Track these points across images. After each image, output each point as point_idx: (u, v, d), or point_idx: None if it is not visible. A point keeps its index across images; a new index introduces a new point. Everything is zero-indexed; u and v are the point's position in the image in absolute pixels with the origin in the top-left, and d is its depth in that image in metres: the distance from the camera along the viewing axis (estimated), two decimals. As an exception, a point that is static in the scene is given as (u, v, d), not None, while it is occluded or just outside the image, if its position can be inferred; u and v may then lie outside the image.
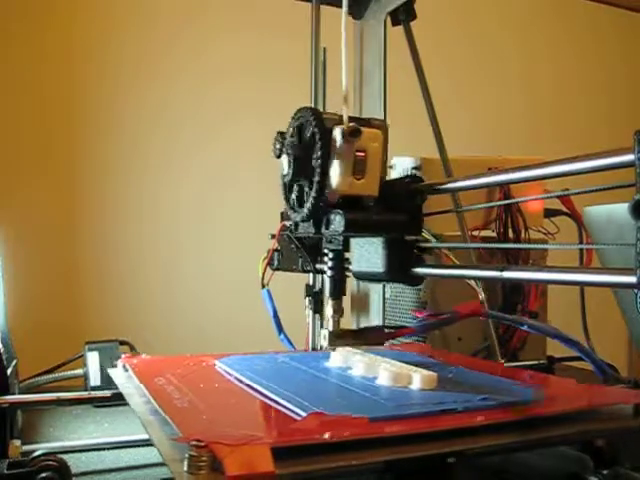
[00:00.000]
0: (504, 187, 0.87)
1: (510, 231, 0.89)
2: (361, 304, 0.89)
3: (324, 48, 0.84)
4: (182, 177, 1.46)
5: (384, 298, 0.85)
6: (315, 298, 0.82)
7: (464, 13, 1.75)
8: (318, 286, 0.83)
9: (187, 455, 0.34)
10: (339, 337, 0.57)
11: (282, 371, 0.59)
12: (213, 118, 1.47)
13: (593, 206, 0.77)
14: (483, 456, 0.42)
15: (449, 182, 0.57)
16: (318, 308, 0.83)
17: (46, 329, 1.22)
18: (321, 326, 0.83)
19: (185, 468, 0.34)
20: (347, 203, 0.53)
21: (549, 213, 0.95)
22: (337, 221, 0.53)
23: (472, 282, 0.69)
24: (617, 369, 0.78)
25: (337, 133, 0.52)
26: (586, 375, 0.75)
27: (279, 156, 0.57)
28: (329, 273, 0.60)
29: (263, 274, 0.79)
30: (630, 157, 0.36)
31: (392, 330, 0.60)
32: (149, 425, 0.44)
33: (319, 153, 0.52)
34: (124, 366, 0.61)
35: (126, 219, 1.42)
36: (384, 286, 0.85)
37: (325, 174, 0.52)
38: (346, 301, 0.91)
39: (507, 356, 0.85)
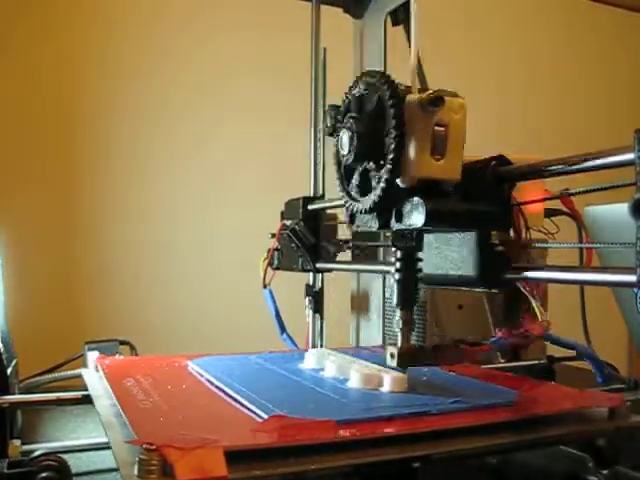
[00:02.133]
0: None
1: (510, 231, 0.89)
2: (361, 304, 0.89)
3: (324, 48, 0.84)
4: (182, 176, 1.46)
5: (384, 298, 0.85)
6: (315, 298, 0.82)
7: (465, 13, 1.75)
8: (318, 286, 0.83)
9: (137, 458, 0.33)
10: (412, 357, 0.48)
11: (253, 372, 0.58)
12: (213, 118, 1.48)
13: (593, 206, 0.77)
14: (450, 460, 0.41)
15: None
16: (318, 308, 0.83)
17: (46, 329, 1.22)
18: (322, 326, 0.83)
19: (135, 472, 0.33)
20: (423, 190, 0.44)
21: (549, 213, 0.94)
22: (416, 212, 0.43)
23: (535, 305, 0.60)
24: (617, 369, 0.78)
25: (413, 101, 0.43)
26: (586, 375, 0.75)
27: (332, 133, 0.48)
28: (397, 276, 0.49)
29: (264, 274, 0.79)
30: (630, 156, 0.35)
31: (469, 346, 0.52)
32: (109, 427, 0.43)
33: (393, 127, 0.42)
34: (96, 367, 0.60)
35: (126, 219, 1.42)
36: (384, 286, 0.85)
37: (399, 154, 0.43)
38: (346, 301, 0.92)
39: (507, 356, 0.85)
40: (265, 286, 0.80)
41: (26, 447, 0.53)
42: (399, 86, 0.44)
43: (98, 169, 1.41)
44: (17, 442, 0.53)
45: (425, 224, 0.43)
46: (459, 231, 0.47)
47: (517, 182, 0.48)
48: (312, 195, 0.83)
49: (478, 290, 0.49)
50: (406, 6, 0.82)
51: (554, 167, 0.43)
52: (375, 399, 0.47)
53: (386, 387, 0.49)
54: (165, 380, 0.54)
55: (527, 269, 0.48)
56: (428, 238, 0.51)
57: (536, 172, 0.46)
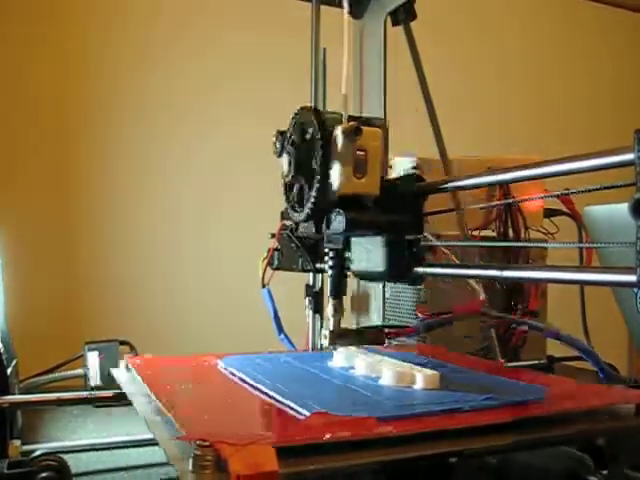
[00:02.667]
0: (504, 187, 0.87)
1: (510, 231, 0.89)
2: (361, 304, 0.89)
3: (324, 48, 0.84)
4: (182, 176, 1.46)
5: (384, 298, 0.85)
6: (315, 298, 0.82)
7: (467, 11, 1.75)
8: (318, 286, 0.83)
9: (192, 454, 0.34)
10: (340, 337, 0.57)
11: (285, 371, 0.59)
12: (213, 118, 1.48)
13: (593, 206, 0.77)
14: (483, 456, 0.42)
15: (450, 181, 0.57)
16: (318, 308, 0.83)
17: (46, 329, 1.22)
18: (321, 326, 0.83)
19: (190, 467, 0.34)
20: (348, 202, 0.53)
21: (549, 213, 0.94)
22: (338, 220, 0.53)
23: (472, 282, 0.69)
24: (617, 369, 0.78)
25: (338, 132, 0.52)
26: (586, 375, 0.75)
27: (280, 155, 0.57)
28: (329, 272, 0.60)
29: (263, 274, 0.79)
30: (630, 156, 0.36)
31: (392, 330, 0.60)
32: (153, 425, 0.44)
33: (320, 153, 0.52)
34: (127, 366, 0.61)
35: (126, 219, 1.42)
36: (384, 286, 0.85)
37: (326, 174, 0.52)
38: (346, 301, 0.92)
39: (507, 356, 0.85)
40: (264, 286, 0.80)
41: (26, 447, 0.53)
42: (329, 117, 0.54)
43: (98, 169, 1.41)
44: (17, 442, 0.53)
45: (346, 230, 0.52)
46: (376, 235, 0.57)
47: (428, 195, 0.56)
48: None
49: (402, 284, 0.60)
50: (406, 6, 0.82)
51: (557, 166, 0.44)
52: (409, 396, 0.48)
53: (419, 385, 0.50)
54: (199, 379, 0.56)
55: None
56: (354, 240, 0.61)
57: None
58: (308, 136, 0.54)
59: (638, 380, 0.70)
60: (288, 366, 0.61)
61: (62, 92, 1.38)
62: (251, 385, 0.52)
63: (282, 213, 0.81)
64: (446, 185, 0.56)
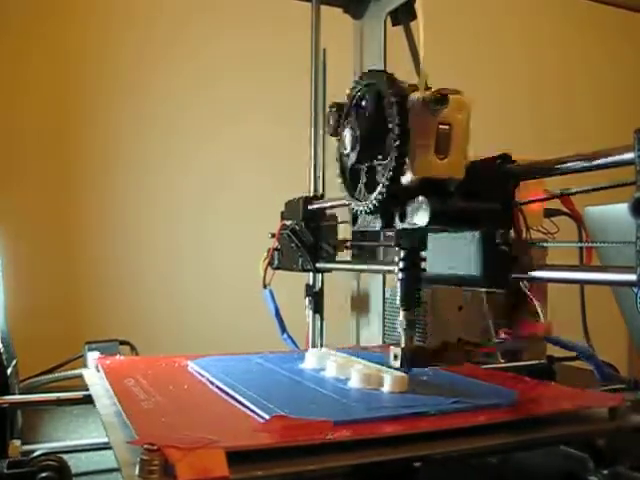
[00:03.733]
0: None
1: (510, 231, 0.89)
2: (361, 304, 0.89)
3: (324, 48, 0.84)
4: (182, 176, 1.46)
5: (384, 298, 0.85)
6: (315, 298, 0.82)
7: (467, 11, 1.75)
8: (318, 286, 0.83)
9: (139, 459, 0.33)
10: (415, 357, 0.48)
11: (254, 373, 0.58)
12: (212, 117, 1.48)
13: (593, 206, 0.77)
14: (450, 460, 0.41)
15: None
16: (318, 308, 0.83)
17: (46, 329, 1.22)
18: (322, 326, 0.83)
19: (136, 472, 0.33)
20: (427, 189, 0.43)
21: (549, 213, 0.94)
22: (421, 212, 0.43)
23: (537, 306, 0.62)
24: (617, 369, 0.78)
25: (417, 100, 0.42)
26: (586, 375, 0.75)
27: (335, 133, 0.47)
28: (400, 276, 0.49)
29: (264, 274, 0.79)
30: (630, 155, 0.36)
31: (473, 347, 0.52)
32: (110, 427, 0.43)
33: (396, 126, 0.42)
34: (97, 367, 0.60)
35: (126, 219, 1.42)
36: (384, 286, 0.85)
37: (404, 154, 0.42)
38: (346, 301, 0.92)
39: (507, 356, 0.85)
40: (265, 286, 0.80)
41: (26, 447, 0.53)
42: (403, 84, 0.43)
43: (98, 169, 1.41)
44: (17, 442, 0.53)
45: (429, 223, 0.42)
46: (463, 230, 0.47)
47: (521, 181, 0.47)
48: (312, 195, 0.83)
49: (483, 290, 0.48)
50: (406, 6, 0.83)
51: (557, 166, 0.43)
52: (375, 399, 0.47)
53: (386, 387, 0.49)
54: (166, 380, 0.54)
55: (532, 269, 0.47)
56: (432, 237, 0.50)
57: (540, 170, 0.46)
58: (378, 107, 0.44)
59: (638, 380, 0.70)
60: (258, 368, 0.60)
61: (62, 92, 1.38)
62: (217, 387, 0.51)
63: (282, 213, 0.81)
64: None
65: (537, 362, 0.85)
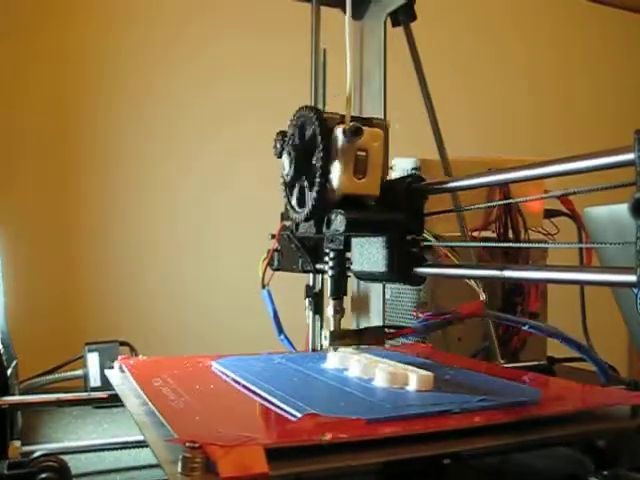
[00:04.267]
0: (504, 188, 0.87)
1: (510, 232, 0.89)
2: (361, 305, 0.89)
3: (324, 49, 0.84)
4: (182, 176, 1.47)
5: (384, 299, 0.85)
6: (315, 299, 0.82)
7: (467, 11, 1.75)
8: (318, 287, 0.83)
9: (181, 456, 0.34)
10: (340, 337, 0.57)
11: (278, 372, 0.59)
12: (212, 118, 1.48)
13: (593, 207, 0.77)
14: (479, 457, 0.42)
15: (450, 181, 0.57)
16: (318, 309, 0.83)
17: (46, 330, 1.22)
18: (321, 327, 0.83)
19: (179, 469, 0.34)
20: (348, 203, 0.53)
21: (549, 214, 0.95)
22: (338, 221, 0.52)
23: (473, 282, 0.69)
24: (617, 369, 0.78)
25: (339, 132, 0.52)
26: (586, 375, 0.75)
27: (280, 155, 0.57)
28: (330, 273, 0.60)
29: (263, 274, 0.79)
30: (630, 156, 0.35)
31: (393, 330, 0.60)
32: (144, 426, 0.44)
33: (321, 152, 0.52)
34: (121, 367, 0.61)
35: (126, 219, 1.42)
36: (384, 287, 0.85)
37: (326, 174, 0.52)
38: (346, 302, 0.92)
39: (507, 356, 0.85)
40: (264, 286, 0.80)
41: (26, 448, 0.53)
42: (330, 117, 0.53)
43: (98, 169, 1.41)
44: (17, 443, 0.53)
45: (346, 230, 0.52)
46: (376, 236, 0.57)
47: (428, 195, 0.56)
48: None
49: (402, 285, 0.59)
50: (406, 7, 0.83)
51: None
52: (402, 398, 0.48)
53: (412, 386, 0.50)
54: (192, 380, 0.55)
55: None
56: (355, 240, 0.60)
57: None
58: (308, 136, 0.54)
59: (638, 381, 0.70)
60: (281, 367, 0.61)
61: (62, 92, 1.38)
62: (244, 386, 0.52)
63: (282, 214, 0.81)
64: (446, 185, 0.56)
65: (537, 363, 0.85)
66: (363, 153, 0.52)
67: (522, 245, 0.89)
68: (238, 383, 0.53)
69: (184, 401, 0.47)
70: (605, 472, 0.46)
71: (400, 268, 0.56)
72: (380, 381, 0.51)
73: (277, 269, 0.81)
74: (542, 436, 0.43)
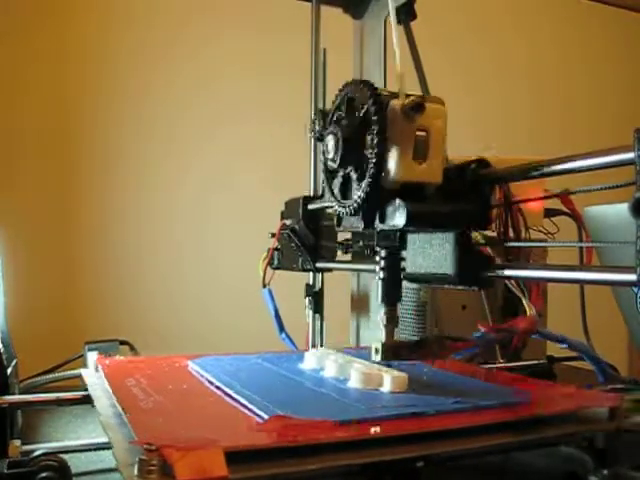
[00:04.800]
0: (504, 187, 0.87)
1: (510, 231, 0.89)
2: (361, 304, 0.89)
3: (324, 48, 0.84)
4: (182, 176, 1.47)
5: (384, 298, 0.85)
6: (315, 298, 0.82)
7: (467, 11, 1.75)
8: (318, 286, 0.83)
9: (137, 459, 0.33)
10: (395, 351, 0.50)
11: (253, 372, 0.58)
12: (212, 117, 1.48)
13: (593, 206, 0.77)
14: (452, 460, 0.41)
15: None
16: (318, 308, 0.83)
17: (46, 329, 1.22)
18: (322, 326, 0.83)
19: (135, 472, 0.33)
20: (406, 192, 0.45)
21: (549, 213, 0.94)
22: (398, 213, 0.45)
23: (523, 299, 0.63)
24: (617, 369, 0.78)
25: (396, 108, 0.44)
26: (587, 375, 0.75)
27: (321, 138, 0.49)
28: (381, 275, 0.52)
29: (264, 273, 0.79)
30: (630, 155, 0.35)
31: (453, 342, 0.54)
32: (109, 427, 0.43)
33: (376, 132, 0.44)
34: (96, 367, 0.60)
35: (126, 218, 1.42)
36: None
37: (381, 158, 0.44)
38: (346, 302, 0.92)
39: (507, 356, 0.84)
40: (264, 286, 0.80)
41: (26, 447, 0.53)
42: (383, 92, 0.46)
43: (97, 169, 1.41)
44: (17, 442, 0.53)
45: (406, 225, 0.45)
46: (440, 231, 0.49)
47: (495, 184, 0.50)
48: (312, 195, 0.82)
49: (461, 288, 0.50)
50: (406, 6, 0.82)
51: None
52: (375, 399, 0.47)
53: (386, 387, 0.49)
54: (165, 380, 0.54)
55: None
56: (413, 237, 0.52)
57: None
58: (360, 113, 0.46)
59: (638, 381, 0.70)
60: (257, 368, 0.60)
61: (62, 92, 1.38)
62: (216, 387, 0.51)
63: (282, 213, 0.81)
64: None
65: (537, 362, 0.85)
66: (424, 133, 0.45)
67: (522, 244, 0.88)
68: (212, 383, 0.53)
69: (153, 401, 0.46)
70: (605, 471, 0.46)
71: (471, 269, 0.48)
72: (354, 382, 0.50)
73: (277, 268, 0.81)
74: (518, 439, 0.42)
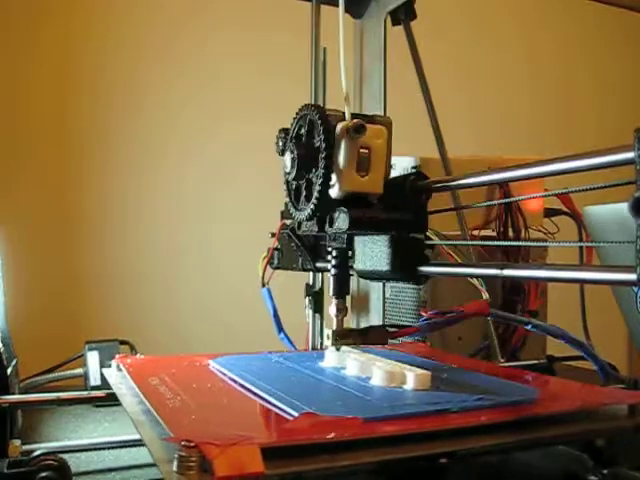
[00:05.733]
0: (504, 186, 0.87)
1: (510, 230, 0.89)
2: (361, 304, 0.89)
3: (324, 48, 0.84)
4: (182, 176, 1.46)
5: (384, 298, 0.85)
6: (315, 298, 0.82)
7: (467, 11, 1.75)
8: (318, 285, 0.83)
9: (176, 455, 0.34)
10: (343, 336, 0.56)
11: (276, 371, 0.58)
12: (212, 115, 1.48)
13: (593, 205, 0.78)
14: (476, 457, 0.42)
15: (453, 180, 0.56)
16: (318, 308, 0.83)
17: (46, 329, 1.22)
18: (322, 326, 0.83)
19: (174, 468, 0.34)
20: (351, 200, 0.52)
21: (549, 213, 0.95)
22: (341, 219, 0.52)
23: (476, 281, 0.69)
24: (617, 369, 0.78)
25: (341, 129, 0.51)
26: (586, 374, 0.75)
27: (282, 153, 0.56)
28: (332, 271, 0.59)
29: (263, 273, 0.79)
30: (630, 155, 0.35)
31: (396, 329, 0.59)
32: (141, 425, 0.44)
33: (323, 150, 0.51)
34: (118, 366, 0.61)
35: (126, 219, 1.42)
36: (384, 286, 0.85)
37: (329, 172, 0.51)
38: (346, 301, 0.92)
39: (507, 355, 0.85)
40: (264, 285, 0.80)
41: (26, 447, 0.53)
42: (332, 115, 0.52)
43: (98, 169, 1.41)
44: (17, 442, 0.53)
45: (349, 228, 0.52)
46: (381, 234, 0.56)
47: (431, 193, 0.55)
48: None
49: (402, 284, 0.58)
50: (406, 6, 0.83)
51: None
52: (399, 397, 0.48)
53: (410, 385, 0.50)
54: (189, 379, 0.55)
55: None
56: (360, 239, 0.59)
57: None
58: (311, 133, 0.53)
59: (638, 380, 0.70)
60: (279, 366, 0.61)
61: (62, 91, 1.38)
62: (241, 385, 0.52)
63: (282, 212, 0.81)
64: (450, 183, 0.55)
65: (537, 362, 0.85)
66: (366, 151, 0.52)
67: (522, 243, 0.89)
68: (235, 382, 0.53)
69: (180, 400, 0.47)
70: (605, 471, 0.47)
71: (404, 267, 0.55)
72: (377, 380, 0.51)
73: (277, 268, 0.81)
74: (540, 435, 0.43)
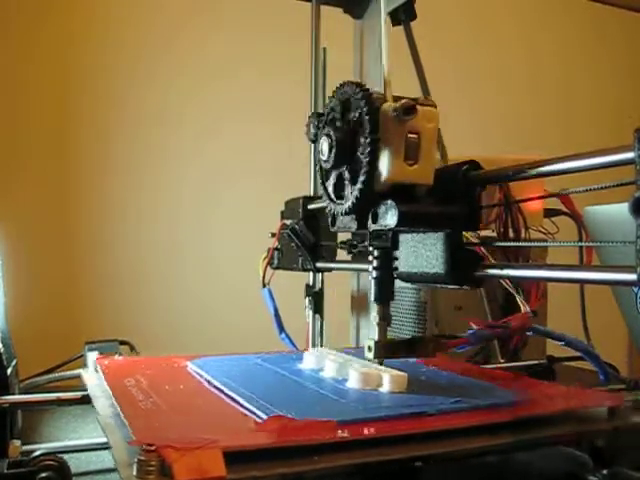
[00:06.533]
0: (504, 187, 0.87)
1: (510, 231, 0.89)
2: (361, 304, 0.89)
3: (324, 48, 0.84)
4: (182, 176, 1.46)
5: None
6: (315, 298, 0.82)
7: (467, 11, 1.75)
8: (318, 286, 0.83)
9: (136, 459, 0.33)
10: (387, 348, 0.51)
11: (253, 373, 0.58)
12: (212, 116, 1.48)
13: (593, 206, 0.78)
14: (451, 460, 0.41)
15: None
16: (318, 308, 0.83)
17: (46, 329, 1.22)
18: (322, 326, 0.83)
19: (134, 472, 0.33)
20: (397, 193, 0.46)
21: (549, 213, 0.94)
22: (390, 214, 0.46)
23: (517, 296, 0.63)
24: (617, 369, 0.78)
25: (388, 111, 0.45)
26: (586, 375, 0.75)
27: (315, 139, 0.50)
28: (374, 274, 0.53)
29: (264, 273, 0.79)
30: (630, 155, 0.35)
31: (445, 341, 0.55)
32: (108, 428, 0.43)
33: (368, 135, 0.45)
34: (96, 367, 0.60)
35: (126, 218, 1.42)
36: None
37: (374, 159, 0.45)
38: (346, 302, 0.92)
39: (507, 356, 0.85)
40: (264, 285, 0.80)
41: (26, 447, 0.53)
42: (375, 95, 0.46)
43: (98, 168, 1.41)
44: (17, 442, 0.53)
45: (397, 225, 0.45)
46: (431, 231, 0.50)
47: (486, 185, 0.50)
48: (312, 195, 0.83)
49: (452, 287, 0.51)
50: (406, 6, 0.82)
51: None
52: (374, 399, 0.47)
53: (385, 387, 0.49)
54: (164, 380, 0.54)
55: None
56: (405, 237, 0.53)
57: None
58: (352, 116, 0.47)
59: (638, 381, 0.70)
60: (257, 368, 0.60)
61: (62, 91, 1.38)
62: (215, 387, 0.51)
63: (282, 212, 0.81)
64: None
65: (537, 362, 0.85)
66: (415, 136, 0.46)
67: (522, 244, 0.88)
68: (211, 384, 0.53)
69: (152, 402, 0.46)
70: (604, 471, 0.46)
71: (462, 269, 0.49)
72: (353, 382, 0.50)
73: (277, 268, 0.81)
74: (517, 438, 0.42)
